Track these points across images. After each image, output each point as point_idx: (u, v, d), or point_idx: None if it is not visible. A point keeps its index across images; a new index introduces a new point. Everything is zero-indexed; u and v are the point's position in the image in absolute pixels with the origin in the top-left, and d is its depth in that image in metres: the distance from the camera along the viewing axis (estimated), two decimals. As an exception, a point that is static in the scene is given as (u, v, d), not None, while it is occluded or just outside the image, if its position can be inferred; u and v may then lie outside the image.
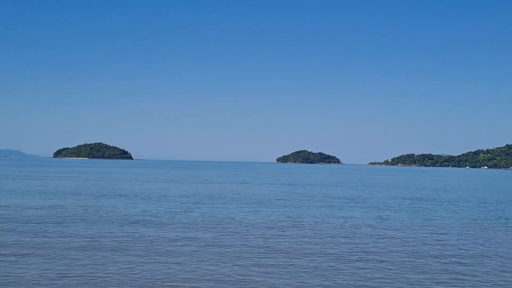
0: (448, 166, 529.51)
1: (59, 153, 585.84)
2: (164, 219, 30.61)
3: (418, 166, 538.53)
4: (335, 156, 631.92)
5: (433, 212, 39.43)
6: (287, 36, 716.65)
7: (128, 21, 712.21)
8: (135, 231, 25.50)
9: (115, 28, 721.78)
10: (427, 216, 36.01)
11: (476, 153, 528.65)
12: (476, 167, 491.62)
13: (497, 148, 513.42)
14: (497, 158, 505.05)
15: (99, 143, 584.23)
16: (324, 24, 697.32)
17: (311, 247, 22.35)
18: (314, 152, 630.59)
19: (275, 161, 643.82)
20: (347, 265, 19.16)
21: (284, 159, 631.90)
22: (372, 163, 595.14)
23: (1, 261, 18.36)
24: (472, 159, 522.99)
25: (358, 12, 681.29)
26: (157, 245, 22.11)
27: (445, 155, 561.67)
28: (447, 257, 21.06)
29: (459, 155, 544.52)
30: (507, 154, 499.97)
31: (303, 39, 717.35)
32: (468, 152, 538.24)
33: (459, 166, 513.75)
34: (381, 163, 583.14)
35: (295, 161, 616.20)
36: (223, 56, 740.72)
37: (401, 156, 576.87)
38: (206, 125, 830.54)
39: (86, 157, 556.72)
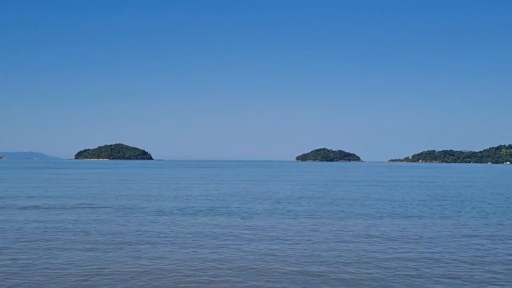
0: (470, 162, 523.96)
1: (80, 155, 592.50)
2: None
3: (439, 162, 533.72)
4: (354, 153, 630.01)
5: None
6: (306, 34, 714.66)
7: (144, 20, 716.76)
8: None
9: (132, 29, 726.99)
10: None
11: (498, 148, 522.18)
12: (498, 163, 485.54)
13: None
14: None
15: (119, 144, 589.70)
16: (343, 21, 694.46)
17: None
18: (334, 149, 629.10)
19: (295, 160, 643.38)
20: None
21: (303, 157, 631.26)
22: (392, 160, 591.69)
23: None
24: (494, 155, 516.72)
25: (379, 7, 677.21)
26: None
27: (466, 151, 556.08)
28: None
29: (480, 151, 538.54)
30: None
31: (322, 36, 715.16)
32: (490, 148, 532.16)
33: (481, 162, 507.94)
34: (402, 160, 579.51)
35: (314, 159, 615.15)
36: (242, 54, 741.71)
37: (422, 153, 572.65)
38: (226, 124, 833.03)
39: (107, 158, 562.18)
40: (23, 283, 15.95)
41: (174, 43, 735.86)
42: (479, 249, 21.94)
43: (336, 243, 22.93)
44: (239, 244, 22.51)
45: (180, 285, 15.95)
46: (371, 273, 17.39)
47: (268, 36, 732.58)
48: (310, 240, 23.79)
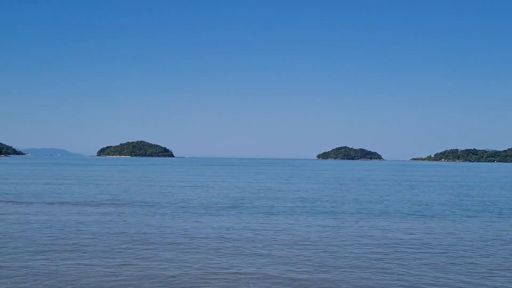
0: (493, 161, 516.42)
1: (102, 152, 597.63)
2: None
3: (462, 161, 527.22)
4: (376, 152, 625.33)
5: None
6: (327, 31, 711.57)
7: (164, 17, 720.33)
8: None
9: (153, 25, 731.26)
10: None
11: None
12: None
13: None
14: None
15: (141, 141, 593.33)
16: (365, 20, 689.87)
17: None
18: (355, 148, 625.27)
19: (316, 158, 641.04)
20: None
21: (324, 156, 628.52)
22: (414, 159, 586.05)
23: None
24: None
25: (394, 4, 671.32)
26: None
27: (490, 150, 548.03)
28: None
29: (504, 150, 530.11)
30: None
31: (344, 34, 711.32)
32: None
33: (505, 161, 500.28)
34: (424, 159, 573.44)
35: (335, 157, 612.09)
36: (262, 53, 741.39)
37: (444, 152, 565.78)
38: (246, 123, 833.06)
39: (129, 155, 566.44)
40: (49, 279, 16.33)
41: (196, 40, 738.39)
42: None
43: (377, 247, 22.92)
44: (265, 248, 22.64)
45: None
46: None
47: (289, 34, 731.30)
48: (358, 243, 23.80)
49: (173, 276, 16.74)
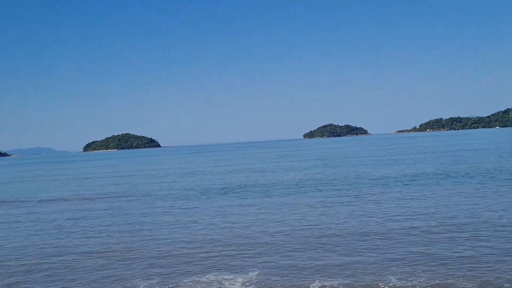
0: (477, 127, 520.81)
1: (88, 147, 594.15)
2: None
3: (447, 130, 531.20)
4: (362, 127, 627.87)
5: None
6: (305, 12, 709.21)
7: (146, 13, 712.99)
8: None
9: (134, 21, 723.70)
10: None
11: (506, 112, 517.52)
12: (507, 126, 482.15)
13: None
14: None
15: (127, 134, 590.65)
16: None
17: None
18: (341, 124, 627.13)
19: (302, 137, 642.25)
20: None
21: (311, 135, 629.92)
22: (400, 131, 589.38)
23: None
24: (502, 119, 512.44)
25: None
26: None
27: (474, 117, 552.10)
28: None
29: (488, 116, 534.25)
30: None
31: (321, 14, 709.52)
32: (497, 112, 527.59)
33: (490, 127, 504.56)
34: (409, 130, 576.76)
35: (322, 136, 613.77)
36: (244, 39, 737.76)
37: (429, 122, 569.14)
38: (231, 108, 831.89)
39: (115, 148, 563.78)
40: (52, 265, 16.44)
41: (175, 32, 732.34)
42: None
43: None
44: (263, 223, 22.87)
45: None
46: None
47: (268, 18, 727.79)
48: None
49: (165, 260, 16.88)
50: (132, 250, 19.50)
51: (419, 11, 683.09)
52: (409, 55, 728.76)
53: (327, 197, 31.29)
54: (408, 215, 23.27)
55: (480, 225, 20.17)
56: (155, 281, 15.26)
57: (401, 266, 15.22)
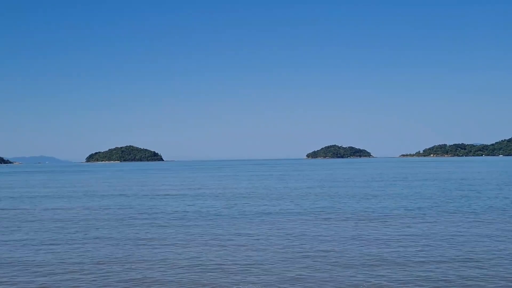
0: (481, 155, 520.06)
1: (91, 158, 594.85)
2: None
3: (450, 156, 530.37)
4: (365, 149, 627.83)
5: None
6: (313, 32, 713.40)
7: (154, 23, 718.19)
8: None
9: (138, 32, 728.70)
10: None
11: (510, 140, 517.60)
12: (511, 155, 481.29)
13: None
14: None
15: (130, 146, 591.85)
16: (348, 17, 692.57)
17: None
18: (344, 146, 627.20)
19: (305, 157, 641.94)
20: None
21: (314, 155, 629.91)
22: (403, 155, 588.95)
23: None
24: (506, 147, 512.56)
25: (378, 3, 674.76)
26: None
27: (478, 144, 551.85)
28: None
29: (492, 144, 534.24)
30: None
31: (330, 33, 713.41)
32: (501, 140, 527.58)
33: (493, 155, 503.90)
34: (413, 155, 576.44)
35: (325, 156, 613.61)
36: (248, 53, 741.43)
37: (433, 147, 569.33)
38: (236, 125, 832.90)
39: (118, 160, 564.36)
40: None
41: (179, 44, 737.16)
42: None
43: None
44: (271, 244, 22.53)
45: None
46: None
47: (274, 34, 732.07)
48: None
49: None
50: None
51: (426, 35, 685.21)
52: (417, 80, 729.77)
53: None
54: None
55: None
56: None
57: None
